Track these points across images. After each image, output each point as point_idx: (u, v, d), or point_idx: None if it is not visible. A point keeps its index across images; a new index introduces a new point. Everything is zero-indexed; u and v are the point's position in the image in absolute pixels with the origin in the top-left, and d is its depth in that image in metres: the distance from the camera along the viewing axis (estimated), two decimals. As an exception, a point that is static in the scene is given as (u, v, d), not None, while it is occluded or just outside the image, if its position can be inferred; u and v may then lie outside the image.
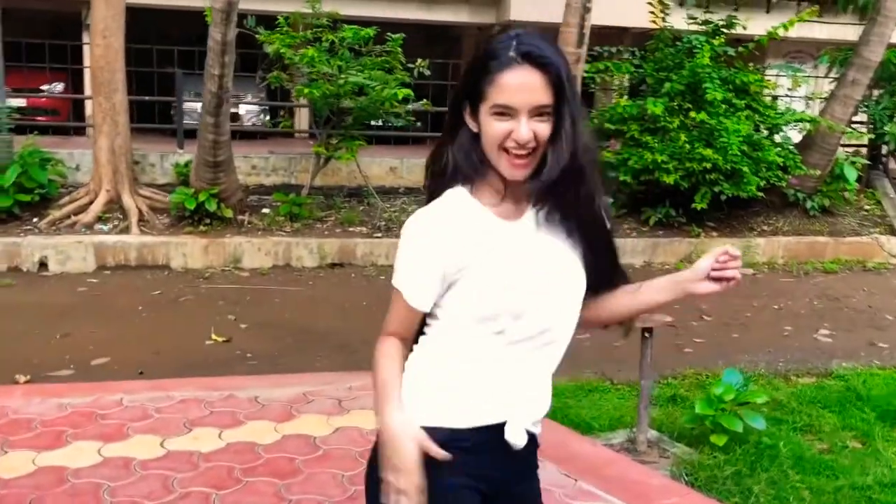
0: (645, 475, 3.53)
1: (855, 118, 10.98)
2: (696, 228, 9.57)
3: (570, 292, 1.62)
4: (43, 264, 7.79)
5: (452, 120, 1.60)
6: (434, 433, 1.53)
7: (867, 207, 10.84)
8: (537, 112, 1.48)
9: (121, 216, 8.44)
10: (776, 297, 7.99)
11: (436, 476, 1.50)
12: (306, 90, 8.62)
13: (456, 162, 1.58)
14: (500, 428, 1.57)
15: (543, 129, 1.49)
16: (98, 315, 6.53)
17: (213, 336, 5.98)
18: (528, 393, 1.61)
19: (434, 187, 1.63)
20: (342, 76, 8.52)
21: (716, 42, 9.36)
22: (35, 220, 8.27)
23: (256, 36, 8.68)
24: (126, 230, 8.25)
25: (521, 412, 1.59)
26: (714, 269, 1.62)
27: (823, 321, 7.10)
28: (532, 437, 1.63)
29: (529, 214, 1.59)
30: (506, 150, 1.50)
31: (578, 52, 8.84)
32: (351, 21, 9.29)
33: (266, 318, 6.58)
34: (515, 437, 1.57)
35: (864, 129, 11.32)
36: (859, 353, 6.03)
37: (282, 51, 8.52)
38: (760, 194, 9.42)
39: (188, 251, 8.15)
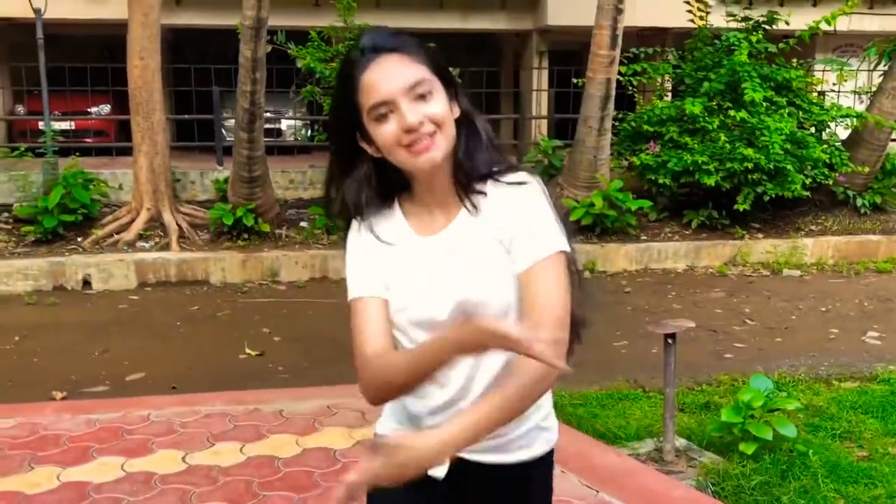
0: (668, 485, 3.42)
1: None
2: (740, 230, 9.35)
3: (445, 308, 1.46)
4: (86, 282, 7.96)
5: (338, 156, 1.51)
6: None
7: (921, 203, 10.45)
8: (416, 94, 1.38)
9: (161, 233, 8.58)
10: (823, 298, 7.74)
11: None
12: (338, 103, 8.67)
13: (344, 201, 1.50)
14: None
15: (434, 106, 1.39)
16: (137, 331, 6.63)
17: (247, 350, 6.02)
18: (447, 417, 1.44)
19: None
20: (374, 88, 8.54)
21: (753, 38, 9.15)
22: (79, 238, 8.46)
23: (288, 51, 8.76)
24: (166, 247, 8.39)
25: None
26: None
27: (873, 323, 6.84)
28: (514, 469, 1.50)
29: (454, 224, 1.49)
30: (406, 147, 1.40)
31: (612, 54, 8.71)
32: (386, 33, 9.31)
33: (300, 332, 6.61)
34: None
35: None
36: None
37: (312, 65, 8.59)
38: (806, 193, 9.15)
39: (227, 266, 8.25)
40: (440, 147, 1.40)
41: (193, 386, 5.13)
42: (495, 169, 1.47)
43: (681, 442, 3.90)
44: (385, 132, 1.40)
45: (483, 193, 1.46)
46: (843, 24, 13.40)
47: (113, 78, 10.90)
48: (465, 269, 1.46)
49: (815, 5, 13.88)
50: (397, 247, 1.50)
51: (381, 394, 1.45)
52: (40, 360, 5.84)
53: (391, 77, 1.38)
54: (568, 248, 1.44)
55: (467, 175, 1.45)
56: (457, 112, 1.45)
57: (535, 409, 1.50)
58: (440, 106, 1.40)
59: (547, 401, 1.57)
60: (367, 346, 1.45)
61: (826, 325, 6.79)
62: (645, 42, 11.31)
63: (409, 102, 1.38)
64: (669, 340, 3.61)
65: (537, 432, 1.54)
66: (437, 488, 1.44)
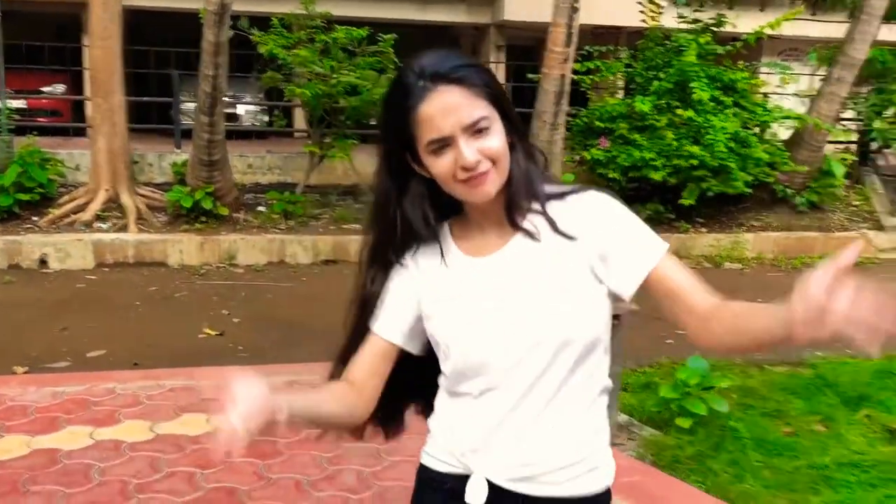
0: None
1: (844, 115, 11.15)
2: (684, 224, 9.74)
3: (516, 333, 1.35)
4: (43, 261, 7.98)
5: (390, 176, 1.43)
6: (420, 469, 1.49)
7: (856, 203, 10.99)
8: (474, 129, 1.31)
9: (119, 214, 8.62)
10: (762, 291, 8.12)
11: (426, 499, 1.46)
12: (298, 90, 8.80)
13: (408, 222, 1.42)
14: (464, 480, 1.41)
15: (491, 142, 1.32)
16: (96, 310, 6.70)
17: (206, 330, 6.15)
18: (492, 446, 1.38)
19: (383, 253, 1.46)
20: (335, 76, 8.70)
21: (702, 40, 9.52)
22: (35, 218, 8.46)
23: (250, 37, 8.85)
24: (124, 228, 8.44)
25: (483, 467, 1.38)
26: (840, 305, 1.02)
27: (806, 314, 7.24)
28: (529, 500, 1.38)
29: (509, 246, 1.40)
30: (460, 182, 1.33)
31: (567, 52, 8.99)
32: (347, 22, 9.46)
33: (259, 313, 6.75)
34: (472, 493, 1.39)
35: (852, 126, 11.47)
36: (838, 345, 6.15)
37: (275, 51, 8.70)
38: (749, 190, 9.58)
39: (184, 248, 8.34)
40: (494, 182, 1.34)
41: (154, 363, 5.24)
42: (554, 190, 1.41)
43: (623, 418, 4.17)
44: (441, 166, 1.33)
45: (543, 213, 1.39)
46: (788, 29, 13.94)
47: (66, 58, 10.85)
48: (536, 294, 1.35)
49: (762, 10, 14.39)
50: (449, 270, 1.43)
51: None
52: (-1, 336, 5.90)
53: (452, 113, 1.30)
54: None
55: (521, 198, 1.39)
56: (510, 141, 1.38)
57: (581, 443, 1.38)
58: (497, 141, 1.33)
59: (601, 433, 1.43)
60: (349, 370, 1.46)
61: (762, 316, 7.17)
62: (599, 40, 11.63)
63: (467, 139, 1.31)
64: (614, 321, 3.87)
65: (588, 467, 1.39)
66: None
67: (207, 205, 8.57)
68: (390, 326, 1.44)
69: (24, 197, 8.40)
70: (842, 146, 11.74)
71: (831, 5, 12.00)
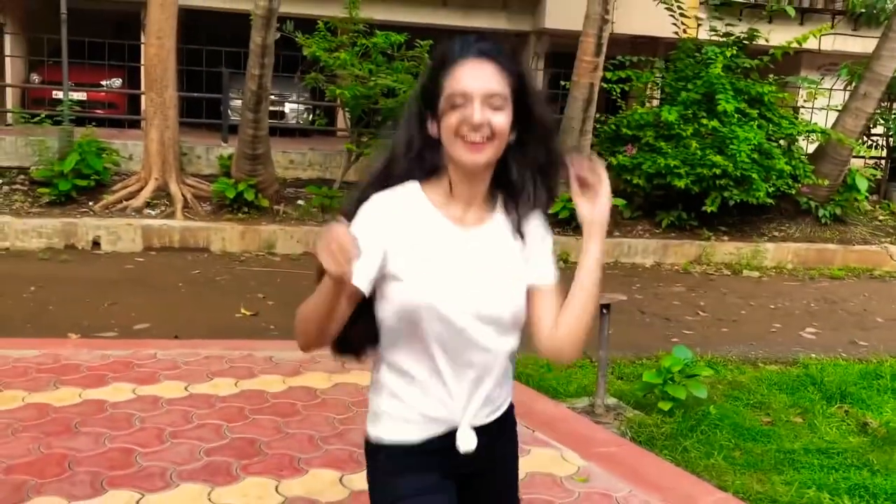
0: (593, 430, 4.08)
1: (873, 131, 11.32)
2: (706, 232, 10.01)
3: (496, 292, 1.63)
4: (96, 243, 8.59)
5: (410, 122, 1.66)
6: (397, 447, 1.67)
7: (881, 218, 11.14)
8: (491, 102, 1.55)
9: (167, 202, 9.21)
10: (775, 298, 8.40)
11: (406, 475, 1.65)
12: (339, 91, 9.30)
13: (406, 157, 1.64)
14: (452, 434, 1.65)
15: (499, 119, 1.56)
16: (142, 289, 7.26)
17: (243, 310, 6.66)
18: (474, 395, 1.65)
19: (377, 182, 1.66)
20: (373, 79, 9.18)
21: (728, 53, 9.79)
22: (90, 203, 9.09)
23: (295, 39, 9.38)
24: (171, 215, 9.02)
25: (466, 417, 1.65)
26: (580, 180, 1.65)
27: (814, 321, 7.51)
28: (499, 420, 1.73)
29: (492, 222, 1.67)
30: (462, 137, 1.56)
31: (596, 61, 9.35)
32: (390, 26, 9.93)
33: (292, 298, 7.05)
34: (464, 444, 1.65)
35: (882, 142, 11.62)
36: (837, 349, 6.43)
37: (318, 54, 9.21)
38: (771, 201, 9.82)
39: (227, 236, 8.89)
40: (487, 154, 1.58)
41: (193, 336, 5.75)
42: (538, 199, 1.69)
43: (612, 400, 4.55)
44: (452, 119, 1.57)
45: (515, 211, 1.69)
46: (828, 44, 14.11)
47: (123, 54, 11.51)
48: (504, 273, 1.66)
49: (801, 24, 14.54)
50: (434, 233, 1.63)
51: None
52: (55, 307, 6.46)
53: (479, 78, 1.56)
54: None
55: (517, 193, 1.68)
56: (512, 137, 1.63)
57: (510, 381, 1.78)
58: (503, 120, 1.58)
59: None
60: None
61: (770, 321, 7.46)
62: (638, 49, 11.96)
63: (481, 104, 1.56)
64: (604, 311, 4.26)
65: (508, 390, 1.78)
66: (462, 464, 1.68)
67: (250, 196, 9.11)
68: (361, 275, 1.55)
69: (82, 183, 9.02)
70: (872, 161, 11.88)
71: (865, 21, 12.12)
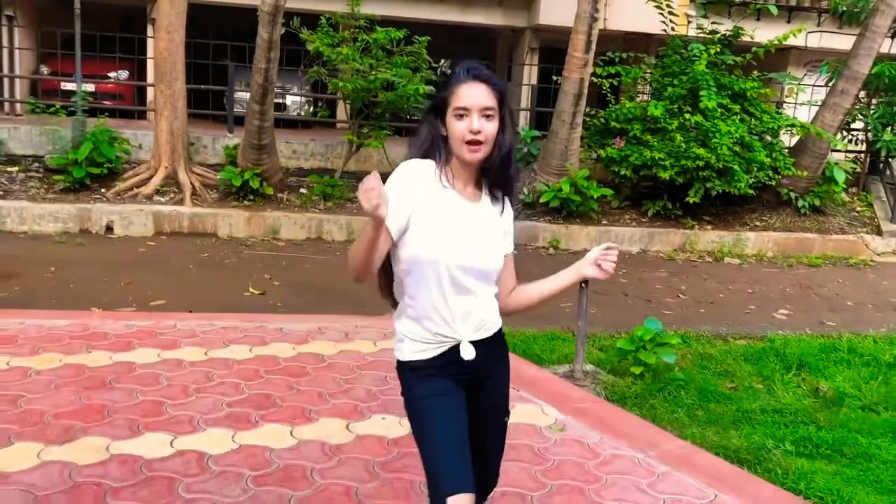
0: (571, 389, 4.56)
1: (852, 125, 11.80)
2: (690, 221, 10.49)
3: (486, 252, 2.21)
4: (109, 228, 9.05)
5: (429, 123, 2.24)
6: (417, 363, 2.21)
7: (859, 209, 11.63)
8: (484, 113, 2.12)
9: (176, 190, 9.66)
10: (753, 283, 8.88)
11: (427, 380, 2.19)
12: (340, 84, 9.75)
13: (428, 143, 2.25)
14: (456, 349, 2.21)
15: (490, 126, 2.14)
16: (155, 270, 7.72)
17: (251, 289, 7.12)
18: (468, 320, 2.21)
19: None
20: (373, 73, 9.63)
21: (712, 50, 10.24)
22: (103, 190, 9.54)
23: (300, 35, 9.83)
24: (181, 202, 9.47)
25: (465, 335, 2.21)
26: (599, 259, 2.33)
27: (787, 304, 7.99)
28: (490, 339, 2.27)
29: (483, 201, 2.24)
30: (466, 143, 2.13)
31: (586, 57, 9.80)
32: (391, 21, 10.35)
33: (296, 279, 7.71)
34: (466, 353, 2.21)
35: (861, 136, 12.11)
36: (805, 329, 6.90)
37: (321, 48, 9.65)
38: (752, 192, 10.29)
39: (233, 222, 9.35)
40: (481, 153, 2.16)
41: (206, 311, 6.22)
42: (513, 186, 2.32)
43: (590, 367, 5.02)
44: (458, 126, 2.15)
45: (498, 197, 2.28)
46: (814, 42, 14.57)
47: (129, 47, 11.93)
48: (492, 237, 2.25)
49: (789, 21, 14.98)
50: (448, 198, 2.18)
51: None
52: (75, 286, 6.92)
53: (476, 96, 2.14)
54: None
55: (496, 179, 2.25)
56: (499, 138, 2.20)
57: (496, 309, 2.32)
58: (492, 128, 2.16)
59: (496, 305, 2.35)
60: None
61: (746, 303, 7.94)
62: (630, 45, 12.40)
63: (478, 116, 2.14)
64: (583, 285, 4.73)
65: (496, 317, 2.33)
66: (466, 371, 2.23)
67: (255, 184, 9.57)
68: (394, 221, 2.10)
69: (95, 170, 9.47)
70: (852, 155, 12.36)
71: (847, 20, 12.57)
